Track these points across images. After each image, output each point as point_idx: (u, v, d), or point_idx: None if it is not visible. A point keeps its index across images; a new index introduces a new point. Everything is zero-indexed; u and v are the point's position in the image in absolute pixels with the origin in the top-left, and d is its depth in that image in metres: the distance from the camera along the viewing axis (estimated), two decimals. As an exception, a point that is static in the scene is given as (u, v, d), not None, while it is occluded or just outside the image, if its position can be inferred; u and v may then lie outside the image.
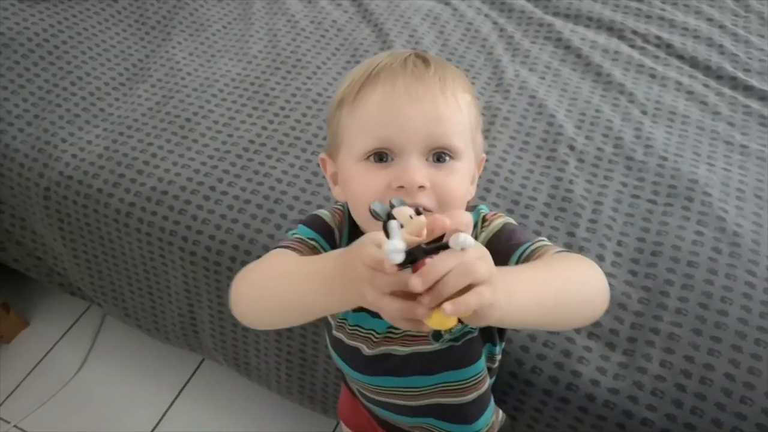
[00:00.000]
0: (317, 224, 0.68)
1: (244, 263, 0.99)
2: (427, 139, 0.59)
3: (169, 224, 1.05)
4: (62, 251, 1.23)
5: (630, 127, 1.14)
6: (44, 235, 1.23)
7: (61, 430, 1.33)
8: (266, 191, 1.06)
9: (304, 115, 1.19)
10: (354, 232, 0.69)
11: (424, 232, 0.44)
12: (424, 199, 0.58)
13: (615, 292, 0.89)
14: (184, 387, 1.41)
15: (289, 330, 1.04)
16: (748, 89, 1.20)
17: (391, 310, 0.44)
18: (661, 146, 1.10)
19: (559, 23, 1.38)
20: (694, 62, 1.27)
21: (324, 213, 0.69)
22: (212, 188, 1.07)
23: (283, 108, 1.20)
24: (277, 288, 0.58)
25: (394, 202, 0.46)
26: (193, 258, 1.04)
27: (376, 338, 0.70)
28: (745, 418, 0.78)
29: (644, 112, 1.17)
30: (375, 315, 0.67)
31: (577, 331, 0.88)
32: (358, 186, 0.61)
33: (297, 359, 1.09)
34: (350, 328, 0.71)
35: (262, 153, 1.12)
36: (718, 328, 0.85)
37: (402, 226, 0.44)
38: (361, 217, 0.64)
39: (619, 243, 0.96)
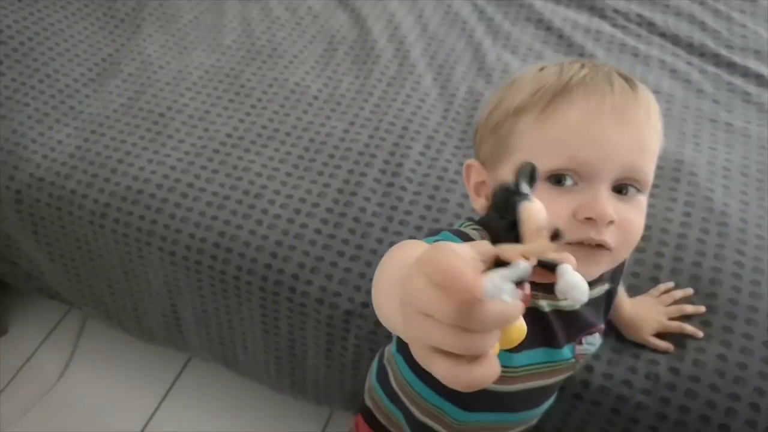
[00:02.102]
0: (466, 240, 0.53)
1: (225, 261, 0.97)
2: (624, 170, 0.53)
3: (147, 224, 1.02)
4: (37, 255, 1.19)
5: (614, 107, 1.13)
6: (18, 239, 1.19)
7: (47, 438, 1.30)
8: (245, 186, 1.03)
9: (282, 106, 1.16)
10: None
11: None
12: (609, 236, 0.53)
13: (605, 276, 0.88)
14: (171, 386, 1.38)
15: (276, 327, 1.01)
16: (731, 66, 1.19)
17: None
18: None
19: (539, 3, 1.36)
20: (676, 40, 1.26)
21: (472, 233, 0.56)
22: (189, 185, 1.04)
23: (259, 100, 1.17)
24: (383, 284, 0.42)
25: (527, 195, 0.31)
26: (173, 257, 1.01)
27: (515, 374, 0.62)
28: (739, 398, 0.78)
29: (628, 92, 1.15)
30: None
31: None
32: None
33: (286, 355, 1.07)
34: None
35: (239, 147, 1.09)
36: (708, 310, 0.84)
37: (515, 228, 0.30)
38: None
39: (607, 226, 0.95)
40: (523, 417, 0.70)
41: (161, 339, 1.22)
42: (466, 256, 0.29)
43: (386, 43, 1.28)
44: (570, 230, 0.52)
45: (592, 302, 0.65)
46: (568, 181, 0.54)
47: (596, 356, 0.83)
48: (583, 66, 0.57)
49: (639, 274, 0.89)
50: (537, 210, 0.31)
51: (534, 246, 0.29)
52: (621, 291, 0.82)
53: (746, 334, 0.82)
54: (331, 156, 1.07)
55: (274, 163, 1.06)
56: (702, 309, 0.84)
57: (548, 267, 0.31)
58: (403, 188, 1.01)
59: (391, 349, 0.76)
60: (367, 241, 0.96)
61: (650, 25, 1.29)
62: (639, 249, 0.92)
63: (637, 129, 0.54)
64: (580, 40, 1.26)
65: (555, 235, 0.29)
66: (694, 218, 0.93)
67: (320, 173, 1.04)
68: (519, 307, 0.28)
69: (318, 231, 0.97)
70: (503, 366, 0.60)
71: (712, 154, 1.03)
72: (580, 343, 0.65)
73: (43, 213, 1.10)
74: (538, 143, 0.55)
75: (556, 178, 0.54)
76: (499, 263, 0.29)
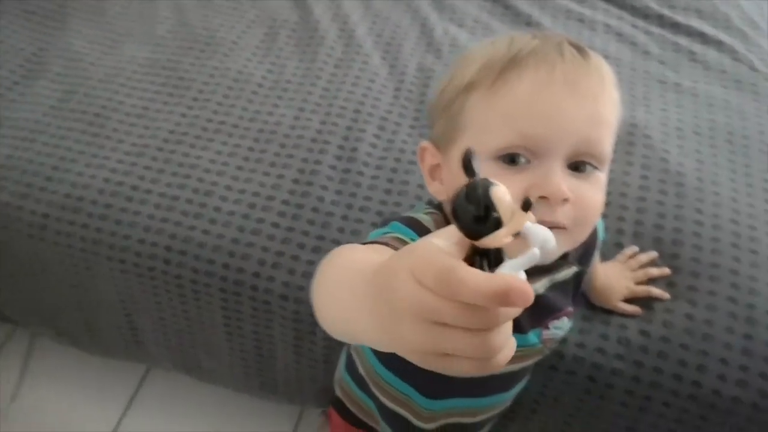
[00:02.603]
0: (418, 228, 0.53)
1: (180, 264, 0.92)
2: (580, 144, 0.50)
3: (91, 232, 0.96)
4: (-26, 275, 1.11)
5: (564, 75, 1.12)
6: (-49, 259, 1.11)
7: (4, 466, 1.23)
8: (194, 184, 0.98)
9: (226, 96, 1.10)
10: None
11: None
12: (563, 215, 0.50)
13: (570, 246, 0.88)
14: (132, 400, 1.32)
15: (239, 328, 0.98)
16: (674, 26, 1.20)
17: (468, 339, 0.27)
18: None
19: (480, -26, 1.34)
20: (620, 3, 1.26)
21: (423, 218, 0.55)
22: (134, 187, 0.98)
23: (201, 91, 1.11)
24: (331, 290, 0.41)
25: (488, 180, 0.30)
26: (123, 266, 0.96)
27: None
28: (708, 354, 0.79)
29: (576, 59, 1.15)
30: None
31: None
32: None
33: (252, 356, 1.03)
34: None
35: (184, 143, 1.03)
36: (673, 271, 0.85)
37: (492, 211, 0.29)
38: None
39: (568, 196, 0.94)
40: (493, 401, 0.70)
41: (118, 352, 1.16)
42: (449, 251, 0.28)
43: (330, 24, 1.23)
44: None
45: (559, 286, 0.63)
46: (521, 160, 0.51)
47: (569, 327, 0.82)
48: (534, 37, 0.54)
49: (605, 241, 0.89)
50: (503, 192, 0.30)
51: (516, 223, 0.29)
52: (598, 261, 0.82)
53: (710, 291, 0.83)
54: (283, 145, 1.02)
55: (223, 157, 1.01)
56: (667, 271, 0.85)
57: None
58: (360, 173, 0.98)
59: None
60: (328, 231, 0.92)
61: (593, -10, 1.29)
62: (601, 215, 0.92)
63: (591, 99, 0.51)
64: (526, 9, 1.24)
65: (526, 205, 0.30)
66: (652, 180, 0.94)
67: (272, 164, 1.00)
68: (530, 289, 0.26)
69: (276, 225, 0.93)
70: None
71: (663, 115, 1.03)
72: (547, 328, 0.64)
73: (-25, 229, 1.02)
74: (487, 120, 0.52)
75: (509, 157, 0.51)
76: (475, 249, 0.30)
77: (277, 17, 1.25)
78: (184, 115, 1.08)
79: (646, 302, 0.83)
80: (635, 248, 0.87)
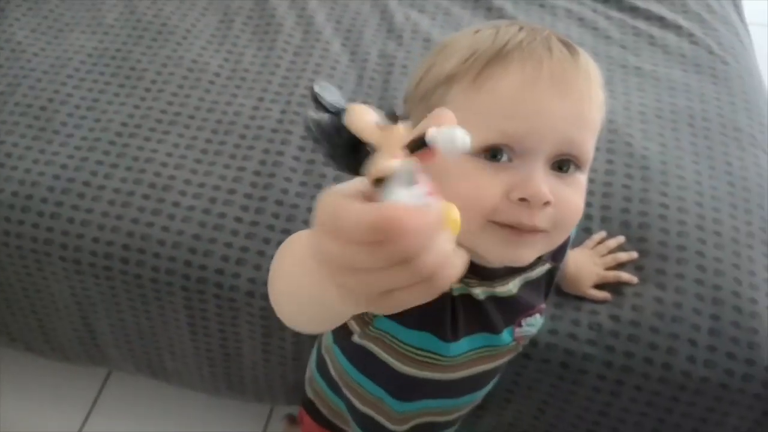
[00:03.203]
0: None
1: (139, 263, 0.89)
2: (562, 144, 0.48)
3: (42, 232, 0.91)
4: None
5: (527, 60, 1.11)
6: None
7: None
8: (151, 178, 0.93)
9: (181, 86, 1.06)
10: None
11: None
12: (542, 219, 0.48)
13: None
14: (93, 405, 1.27)
15: (205, 327, 0.94)
16: (634, 10, 1.21)
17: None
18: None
19: (440, -41, 1.32)
20: (579, -13, 1.26)
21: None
22: (86, 184, 0.93)
23: (154, 81, 1.06)
24: (287, 273, 0.38)
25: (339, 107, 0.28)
26: (78, 266, 0.91)
27: (456, 362, 0.59)
28: (678, 337, 0.80)
29: (538, 44, 1.15)
30: (451, 338, 0.57)
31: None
32: (467, 190, 0.48)
33: (219, 356, 1.00)
34: (404, 348, 0.58)
35: (138, 136, 0.99)
36: (640, 255, 0.85)
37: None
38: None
39: (535, 182, 0.94)
40: (466, 400, 0.69)
41: (76, 356, 1.11)
42: (349, 192, 0.26)
43: (287, 10, 1.19)
44: (502, 211, 0.48)
45: (531, 284, 0.63)
46: (503, 157, 0.48)
47: (540, 314, 0.82)
48: (520, 29, 0.52)
49: (571, 227, 0.89)
50: (360, 110, 0.27)
51: (391, 140, 0.26)
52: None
53: (678, 273, 0.83)
54: (243, 136, 0.99)
55: (180, 150, 0.97)
56: (635, 255, 0.85)
57: (420, 145, 0.27)
58: (326, 163, 0.95)
59: (328, 338, 0.72)
60: (293, 224, 0.90)
61: (552, -25, 1.29)
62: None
63: (577, 99, 0.49)
64: (486, -6, 1.23)
65: (394, 118, 0.26)
66: (617, 165, 0.94)
67: (233, 156, 0.97)
68: (435, 205, 0.25)
69: (239, 219, 0.90)
70: (442, 356, 0.57)
71: (626, 99, 1.04)
72: (520, 325, 0.63)
73: None
74: (469, 115, 0.49)
75: (492, 153, 0.48)
76: (380, 181, 0.26)
77: (231, 3, 1.21)
78: (137, 107, 1.03)
79: (615, 287, 0.84)
80: (603, 234, 0.87)
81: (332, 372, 0.72)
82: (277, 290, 0.39)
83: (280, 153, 0.96)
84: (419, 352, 0.58)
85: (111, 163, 0.96)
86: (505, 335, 0.62)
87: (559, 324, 0.82)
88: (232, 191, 0.93)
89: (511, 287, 0.60)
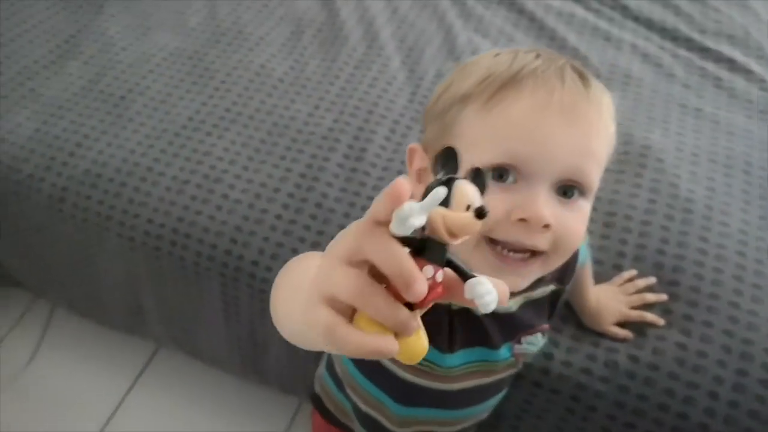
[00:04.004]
0: None
1: (184, 247, 0.95)
2: (567, 171, 0.50)
3: (105, 208, 0.99)
4: (-3, 241, 1.16)
5: (584, 92, 1.11)
6: (-23, 224, 1.17)
7: (15, 425, 1.28)
8: (205, 170, 1.00)
9: (246, 89, 1.13)
10: None
11: (461, 238, 0.29)
12: (542, 240, 0.50)
13: (567, 263, 0.87)
14: (140, 374, 1.36)
15: (237, 314, 1.00)
16: (703, 51, 1.18)
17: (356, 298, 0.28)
18: (614, 111, 1.06)
19: (513, -14, 1.34)
20: (649, 24, 1.24)
21: None
22: (149, 169, 1.01)
23: (223, 82, 1.14)
24: (288, 289, 0.41)
25: (468, 174, 0.30)
26: (132, 243, 0.99)
27: (452, 374, 0.61)
28: (698, 387, 0.77)
29: (598, 77, 1.11)
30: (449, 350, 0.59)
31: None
32: None
33: (248, 344, 1.05)
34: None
35: (201, 130, 1.06)
36: (670, 298, 0.83)
37: (447, 206, 0.28)
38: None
39: (572, 213, 0.93)
40: (468, 413, 0.69)
41: (125, 327, 1.20)
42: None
43: (355, 25, 1.25)
44: (502, 230, 0.49)
45: (533, 303, 0.63)
46: (510, 178, 0.50)
47: (555, 344, 0.82)
48: (537, 56, 0.53)
49: (602, 262, 0.88)
50: (468, 188, 0.29)
51: (457, 214, 0.28)
52: (590, 281, 0.81)
53: (706, 321, 0.81)
54: (294, 140, 1.04)
55: (236, 147, 1.04)
56: (664, 297, 0.83)
57: (460, 273, 0.30)
58: (367, 173, 0.99)
59: None
60: (328, 227, 0.94)
61: (624, 9, 1.27)
62: (603, 236, 0.90)
63: (585, 130, 0.50)
64: (551, 24, 1.24)
65: (480, 213, 0.28)
66: (659, 205, 0.92)
67: (282, 157, 1.02)
68: (418, 275, 0.27)
69: (279, 216, 0.95)
70: (438, 366, 0.58)
71: (680, 139, 1.01)
72: (519, 342, 0.63)
73: (0, 197, 1.07)
74: (479, 134, 0.51)
75: (499, 173, 0.50)
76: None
77: (304, 16, 1.28)
78: (204, 104, 1.11)
79: (638, 327, 0.82)
80: (633, 272, 0.86)
81: (338, 371, 0.75)
82: (277, 310, 0.42)
83: (326, 159, 1.01)
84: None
85: (173, 152, 1.03)
86: (503, 351, 0.62)
87: (575, 357, 0.81)
88: (276, 190, 0.98)
89: (510, 305, 0.60)
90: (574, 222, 0.51)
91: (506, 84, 0.51)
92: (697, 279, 0.84)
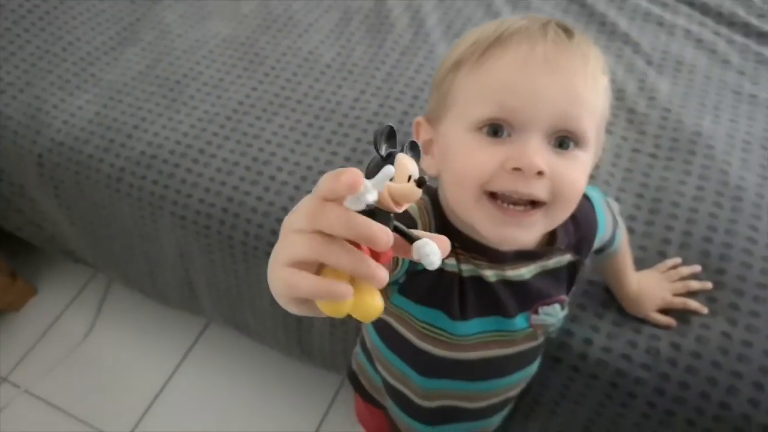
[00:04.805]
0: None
1: (233, 226, 0.99)
2: (557, 119, 0.51)
3: (159, 188, 1.04)
4: (59, 218, 1.23)
5: (633, 78, 1.09)
6: (42, 202, 1.24)
7: (71, 395, 1.36)
8: (255, 153, 1.04)
9: (295, 74, 1.16)
10: (443, 226, 0.59)
11: (405, 206, 0.32)
12: (539, 188, 0.50)
13: (609, 249, 0.86)
14: (189, 350, 1.42)
15: (282, 293, 1.03)
16: (761, 36, 1.14)
17: (304, 254, 0.30)
18: (665, 98, 1.05)
19: (562, -28, 1.32)
20: (704, 9, 1.20)
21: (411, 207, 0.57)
22: (201, 151, 1.05)
23: (273, 68, 1.17)
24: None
25: (405, 147, 0.33)
26: (184, 222, 1.03)
27: (466, 341, 0.63)
28: (742, 377, 0.76)
29: (649, 63, 1.12)
30: (462, 317, 0.61)
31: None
32: (465, 160, 0.52)
33: (293, 322, 1.09)
34: (418, 324, 0.62)
35: (250, 114, 1.10)
36: (715, 287, 0.82)
37: (391, 179, 0.31)
38: (459, 198, 0.54)
39: (617, 199, 0.92)
40: (491, 386, 0.70)
41: (176, 303, 1.25)
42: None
43: (402, 12, 1.26)
44: (499, 181, 0.50)
45: (549, 273, 0.63)
46: (504, 133, 0.51)
47: (596, 329, 0.81)
48: (523, 18, 0.56)
49: (646, 248, 0.87)
50: (407, 161, 0.31)
51: (401, 185, 0.31)
52: (628, 266, 0.81)
53: (753, 311, 0.79)
54: (340, 124, 1.07)
55: (284, 130, 1.07)
56: (708, 285, 0.82)
57: (406, 236, 0.33)
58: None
59: None
60: (371, 209, 0.95)
61: (678, -6, 1.24)
62: (648, 222, 0.89)
63: (569, 77, 0.51)
64: (602, 8, 1.22)
65: (420, 182, 0.31)
66: (708, 192, 0.90)
67: (329, 141, 1.05)
68: (380, 227, 0.29)
69: (323, 198, 0.97)
70: (451, 334, 0.60)
71: (732, 126, 0.99)
72: (536, 312, 0.64)
73: (63, 176, 1.13)
74: (471, 93, 0.53)
75: (493, 129, 0.51)
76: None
77: (352, 4, 1.30)
78: (254, 89, 1.14)
79: (682, 315, 0.81)
80: (678, 260, 0.84)
81: (369, 347, 0.77)
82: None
83: (371, 143, 1.03)
84: (431, 328, 0.61)
85: (224, 135, 1.07)
86: (519, 320, 0.63)
87: (615, 342, 0.80)
88: (321, 172, 1.00)
89: (523, 272, 0.61)
90: (570, 170, 0.52)
91: (493, 44, 0.53)
92: (744, 268, 0.82)
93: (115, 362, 1.41)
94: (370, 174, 0.31)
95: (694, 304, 0.80)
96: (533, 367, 0.73)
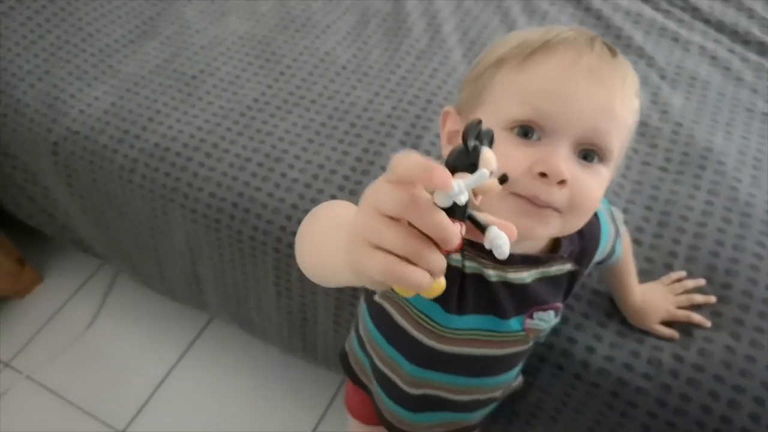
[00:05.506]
0: None
1: (243, 221, 1.00)
2: (588, 131, 0.52)
3: (171, 181, 1.05)
4: (71, 207, 1.24)
5: (647, 92, 1.10)
6: (54, 191, 1.25)
7: (72, 383, 1.37)
8: (267, 149, 1.05)
9: (311, 74, 1.17)
10: None
11: (479, 199, 0.34)
12: (558, 196, 0.51)
13: (616, 259, 0.87)
14: (191, 345, 1.43)
15: (288, 289, 1.04)
16: (776, 55, 1.14)
17: (393, 244, 0.31)
18: (678, 112, 1.05)
19: (579, -16, 1.33)
20: (720, 26, 1.21)
21: None
22: (214, 146, 1.06)
23: (289, 66, 1.19)
24: (314, 241, 0.45)
25: (487, 141, 0.34)
26: (194, 215, 1.04)
27: (456, 335, 0.64)
28: (744, 391, 0.76)
29: (663, 77, 1.12)
30: (452, 311, 0.62)
31: (576, 298, 0.86)
32: (497, 158, 0.54)
33: (297, 318, 1.09)
34: (412, 311, 0.64)
35: (265, 111, 1.11)
36: (721, 301, 0.82)
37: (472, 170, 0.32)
38: None
39: (626, 211, 0.93)
40: (477, 383, 0.70)
41: (182, 296, 1.26)
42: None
43: (419, 17, 1.27)
44: (522, 183, 0.51)
45: (549, 280, 0.64)
46: (534, 136, 0.52)
47: (599, 338, 0.82)
48: (571, 29, 0.56)
49: (654, 260, 0.87)
50: (490, 155, 0.33)
51: (483, 180, 0.32)
52: (631, 277, 0.81)
53: (758, 327, 0.79)
54: (353, 125, 1.07)
55: (297, 129, 1.08)
56: (712, 299, 0.82)
57: (478, 225, 0.34)
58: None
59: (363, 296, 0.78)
60: (380, 210, 0.96)
61: (694, 11, 1.25)
62: (656, 234, 0.90)
63: (609, 92, 0.52)
64: (618, 22, 1.22)
65: (502, 179, 0.33)
66: (717, 207, 0.90)
67: (341, 141, 1.05)
68: (456, 231, 0.31)
69: (333, 197, 0.98)
70: (441, 325, 0.61)
71: (743, 143, 0.99)
72: (531, 317, 0.64)
73: (77, 165, 1.14)
74: (508, 93, 0.54)
75: (524, 130, 0.52)
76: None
77: (370, 6, 1.31)
78: (269, 87, 1.15)
79: (686, 328, 0.81)
80: (683, 273, 0.85)
81: (361, 331, 0.78)
82: (302, 248, 0.46)
83: (383, 144, 1.04)
84: (423, 317, 0.63)
85: (238, 131, 1.08)
86: (514, 323, 0.64)
87: (618, 352, 0.81)
88: (333, 171, 1.01)
89: (525, 276, 0.62)
90: (590, 184, 0.53)
91: (539, 48, 0.54)
92: (751, 283, 0.83)
93: (116, 353, 1.42)
94: (453, 163, 0.32)
95: (697, 317, 0.80)
96: (518, 370, 0.74)
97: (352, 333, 0.84)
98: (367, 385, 0.83)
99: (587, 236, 0.66)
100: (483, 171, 0.32)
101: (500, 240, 0.33)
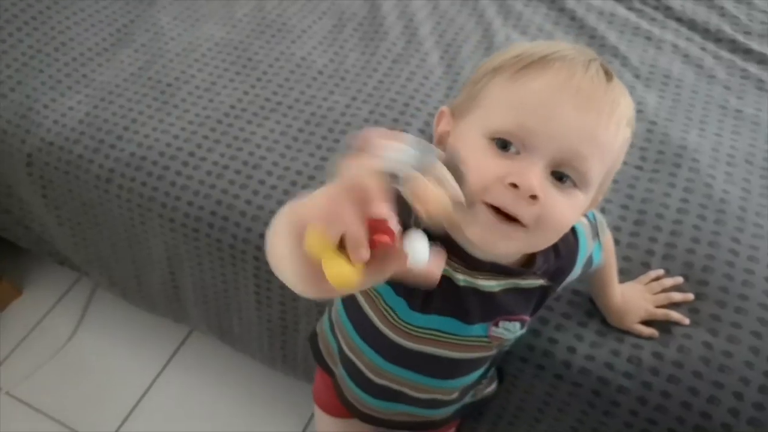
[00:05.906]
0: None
1: (222, 229, 0.99)
2: (567, 153, 0.51)
3: (148, 190, 1.04)
4: (47, 219, 1.23)
5: (621, 91, 1.11)
6: (30, 202, 1.23)
7: (52, 398, 1.35)
8: (245, 157, 1.04)
9: (287, 79, 1.16)
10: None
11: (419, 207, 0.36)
12: (526, 211, 0.51)
13: (595, 259, 0.87)
14: (171, 357, 1.42)
15: (268, 297, 1.03)
16: (747, 52, 1.16)
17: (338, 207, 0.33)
18: (652, 111, 1.06)
19: (554, -15, 1.34)
20: (692, 25, 1.23)
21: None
22: (191, 154, 1.05)
23: (265, 72, 1.18)
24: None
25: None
26: (172, 224, 1.03)
27: (417, 333, 0.64)
28: (723, 387, 0.76)
29: (637, 76, 1.13)
30: (420, 310, 0.62)
31: (556, 299, 0.86)
32: (472, 164, 0.52)
33: (278, 327, 1.08)
34: (379, 302, 0.64)
35: (242, 118, 1.10)
36: (698, 298, 0.83)
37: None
38: None
39: (603, 210, 0.93)
40: (436, 384, 0.71)
41: (161, 308, 1.24)
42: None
43: (395, 20, 1.27)
44: (492, 191, 0.51)
45: (519, 292, 0.64)
46: (512, 149, 0.52)
47: (579, 337, 0.82)
48: (572, 48, 0.56)
49: (631, 258, 0.88)
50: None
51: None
52: (613, 280, 0.81)
53: (735, 322, 0.80)
54: (331, 130, 1.07)
55: (275, 135, 1.07)
56: (690, 297, 0.83)
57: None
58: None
59: None
60: (360, 215, 0.96)
61: (667, 9, 1.26)
62: (633, 233, 0.90)
63: (595, 117, 0.52)
64: (592, 23, 1.23)
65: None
66: (692, 204, 0.91)
67: (319, 147, 1.05)
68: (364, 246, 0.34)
69: (312, 203, 0.98)
70: (401, 320, 0.63)
71: (717, 140, 1.00)
72: (497, 325, 0.65)
73: (52, 176, 1.13)
74: (498, 102, 0.54)
75: (502, 142, 0.52)
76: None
77: (346, 10, 1.31)
78: (246, 93, 1.15)
79: (664, 326, 0.82)
80: (661, 271, 0.85)
81: (332, 315, 0.79)
82: (272, 244, 0.45)
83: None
84: (388, 310, 0.63)
85: (215, 138, 1.07)
86: (477, 328, 0.64)
87: (598, 351, 0.81)
88: (311, 177, 1.01)
89: (493, 285, 0.62)
90: (561, 204, 0.53)
91: (535, 62, 0.54)
92: (727, 279, 0.84)
93: (97, 367, 1.40)
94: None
95: (675, 315, 0.81)
96: (478, 375, 0.74)
97: (326, 315, 0.85)
98: (332, 368, 0.83)
99: (564, 257, 0.67)
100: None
101: (417, 245, 0.35)
